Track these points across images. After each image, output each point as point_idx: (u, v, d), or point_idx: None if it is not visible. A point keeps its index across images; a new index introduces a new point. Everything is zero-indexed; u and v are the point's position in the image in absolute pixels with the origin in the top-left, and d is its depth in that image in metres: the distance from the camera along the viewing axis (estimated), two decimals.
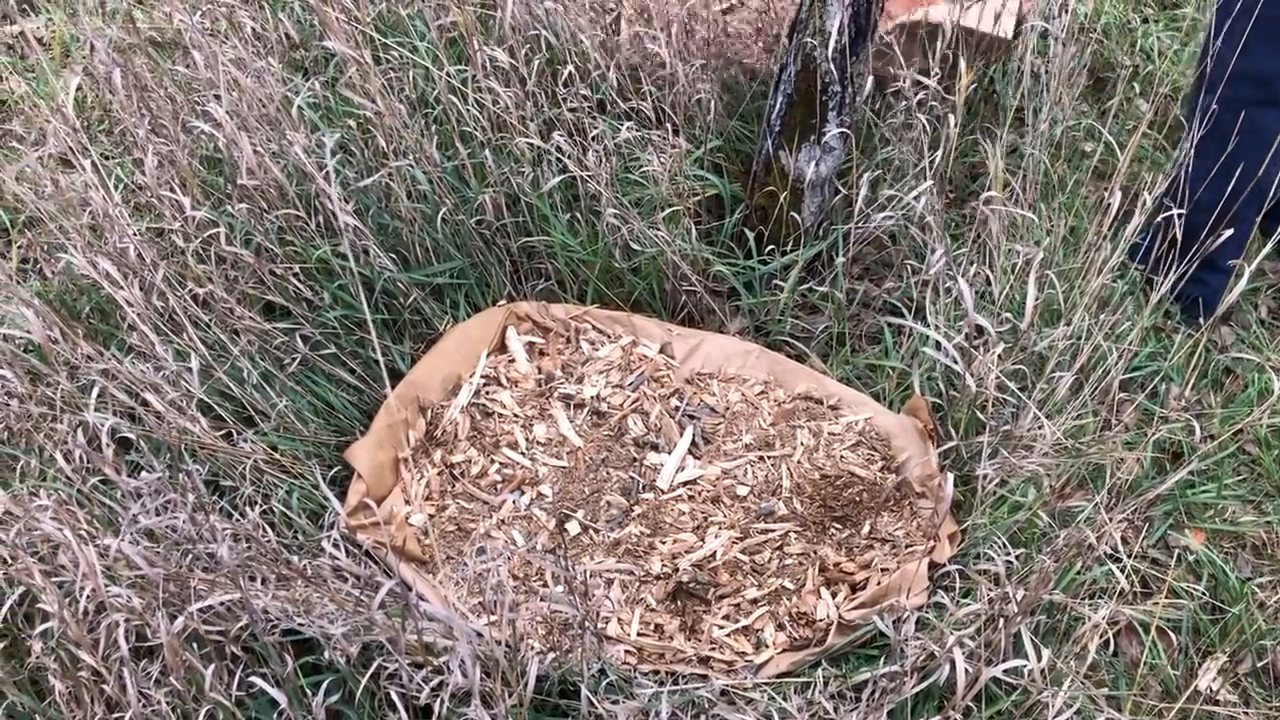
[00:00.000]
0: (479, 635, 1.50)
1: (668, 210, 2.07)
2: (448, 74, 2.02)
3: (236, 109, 1.98)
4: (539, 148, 2.06)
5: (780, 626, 1.70)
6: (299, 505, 1.76)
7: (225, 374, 1.80)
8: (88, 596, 1.34)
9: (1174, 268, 1.78)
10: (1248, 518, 2.03)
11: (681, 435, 1.94)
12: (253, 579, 1.52)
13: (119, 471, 1.50)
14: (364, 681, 1.44)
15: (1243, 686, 1.81)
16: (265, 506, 1.71)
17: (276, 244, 1.99)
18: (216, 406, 1.79)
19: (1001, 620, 1.50)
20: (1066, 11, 2.30)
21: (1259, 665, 1.82)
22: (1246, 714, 1.76)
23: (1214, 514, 2.02)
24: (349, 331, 1.99)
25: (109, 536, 1.44)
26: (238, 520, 1.56)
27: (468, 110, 2.05)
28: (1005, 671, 1.44)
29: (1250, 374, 2.25)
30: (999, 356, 1.73)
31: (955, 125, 1.89)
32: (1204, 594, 1.87)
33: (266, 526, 1.59)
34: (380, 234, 2.07)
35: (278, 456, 1.79)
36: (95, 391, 1.64)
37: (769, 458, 1.92)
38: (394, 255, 2.03)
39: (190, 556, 1.50)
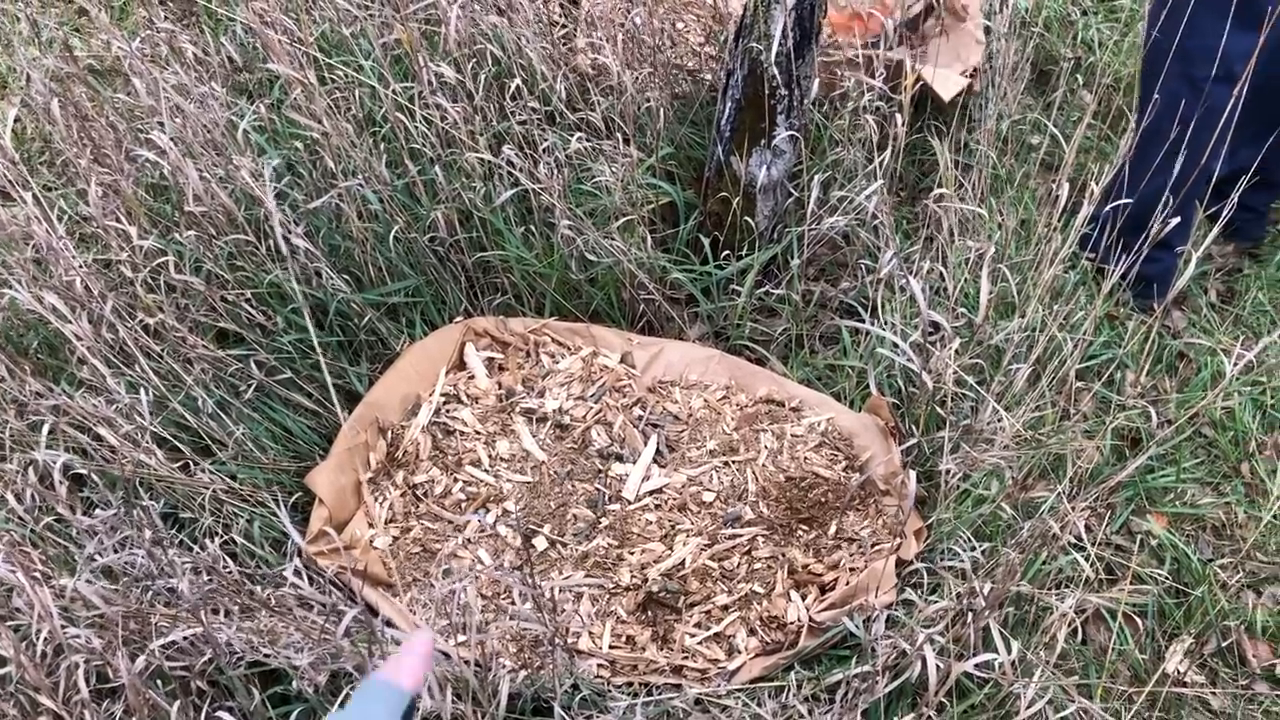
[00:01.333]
0: (447, 657, 1.48)
1: (622, 220, 2.07)
2: (394, 92, 2.00)
3: (180, 135, 1.96)
4: (490, 162, 2.05)
5: (752, 631, 1.70)
6: (260, 534, 1.74)
7: (180, 404, 1.77)
8: (45, 639, 1.32)
9: (1124, 256, 1.80)
10: (1207, 499, 2.05)
11: (645, 444, 1.94)
12: (215, 612, 1.49)
13: (73, 510, 1.47)
14: (333, 710, 1.42)
15: (1209, 667, 1.84)
16: (226, 537, 1.68)
17: (227, 270, 1.97)
18: (172, 438, 1.76)
19: (970, 615, 1.51)
20: (1008, 6, 2.32)
21: (1223, 645, 1.84)
22: (1214, 694, 1.79)
23: (1174, 498, 2.04)
24: (304, 355, 1.97)
25: (65, 576, 1.42)
26: (198, 553, 1.53)
27: (416, 127, 2.04)
28: (976, 665, 1.45)
29: (1203, 357, 2.28)
30: (956, 351, 1.74)
31: (902, 124, 1.90)
32: (1167, 578, 1.89)
33: (228, 558, 1.57)
34: (332, 255, 2.05)
35: (237, 486, 1.76)
36: (45, 428, 1.60)
37: (733, 463, 1.92)
38: (347, 276, 2.01)
39: (150, 593, 1.47)
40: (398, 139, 2.05)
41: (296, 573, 1.53)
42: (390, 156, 2.08)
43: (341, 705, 0.55)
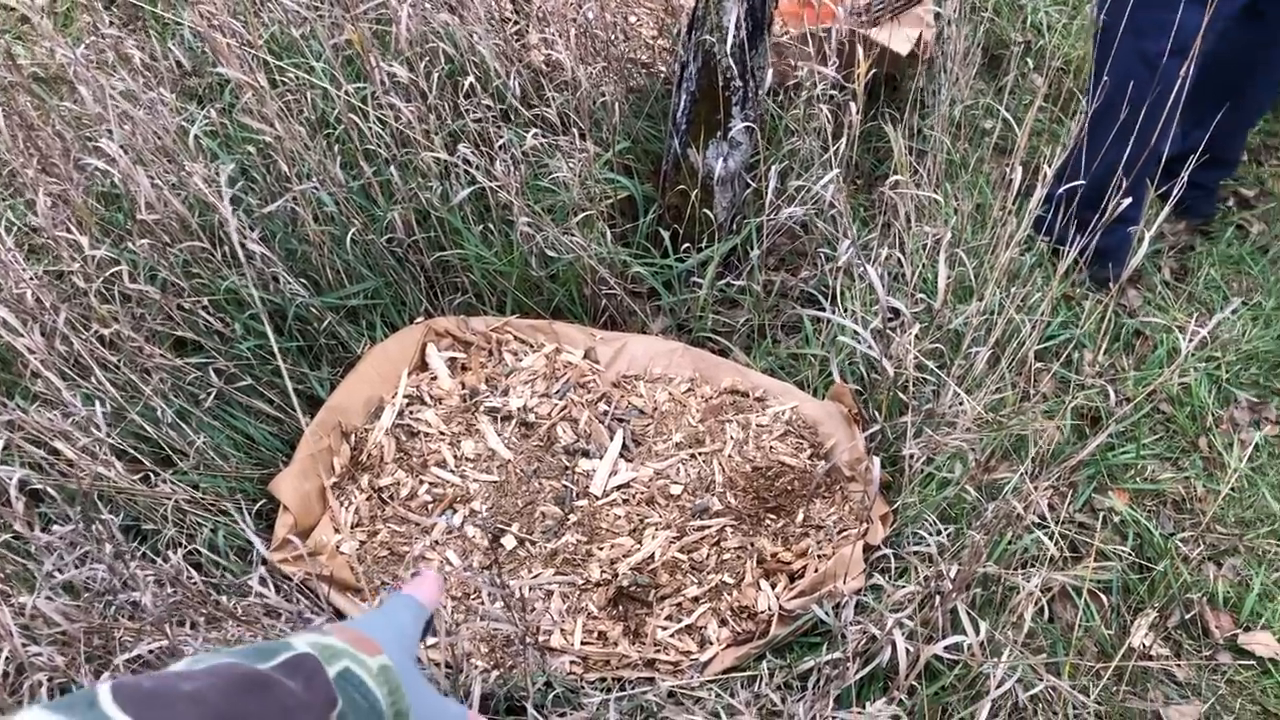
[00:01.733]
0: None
1: (581, 215, 2.06)
2: (346, 93, 1.98)
3: (130, 143, 1.93)
4: (445, 161, 2.04)
5: (723, 622, 1.70)
6: (225, 543, 1.72)
7: (138, 415, 1.75)
8: (6, 658, 1.30)
9: (1079, 236, 1.82)
10: (1166, 475, 2.08)
11: (611, 439, 1.94)
12: (181, 624, 1.48)
13: (31, 526, 1.44)
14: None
15: (1174, 639, 1.86)
16: (190, 548, 1.66)
17: (182, 278, 1.94)
18: (131, 449, 1.74)
19: (938, 597, 1.52)
20: None
21: (1187, 618, 1.87)
22: (1179, 666, 1.81)
23: (1135, 474, 2.07)
24: (264, 362, 1.95)
25: (24, 594, 1.39)
26: (161, 565, 1.51)
27: (370, 128, 2.03)
28: (946, 648, 1.46)
29: (1159, 335, 2.31)
30: (916, 336, 1.75)
31: (856, 113, 1.91)
32: (1130, 553, 1.91)
33: (191, 569, 1.55)
34: (289, 260, 2.02)
35: (199, 495, 1.74)
36: (0, 444, 1.58)
37: (700, 454, 1.92)
38: (305, 280, 1.99)
39: (113, 607, 1.45)
40: (352, 140, 2.04)
41: (262, 581, 1.52)
42: (345, 158, 2.06)
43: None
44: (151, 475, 1.73)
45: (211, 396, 1.85)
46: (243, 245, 1.85)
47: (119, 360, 1.78)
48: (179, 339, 1.96)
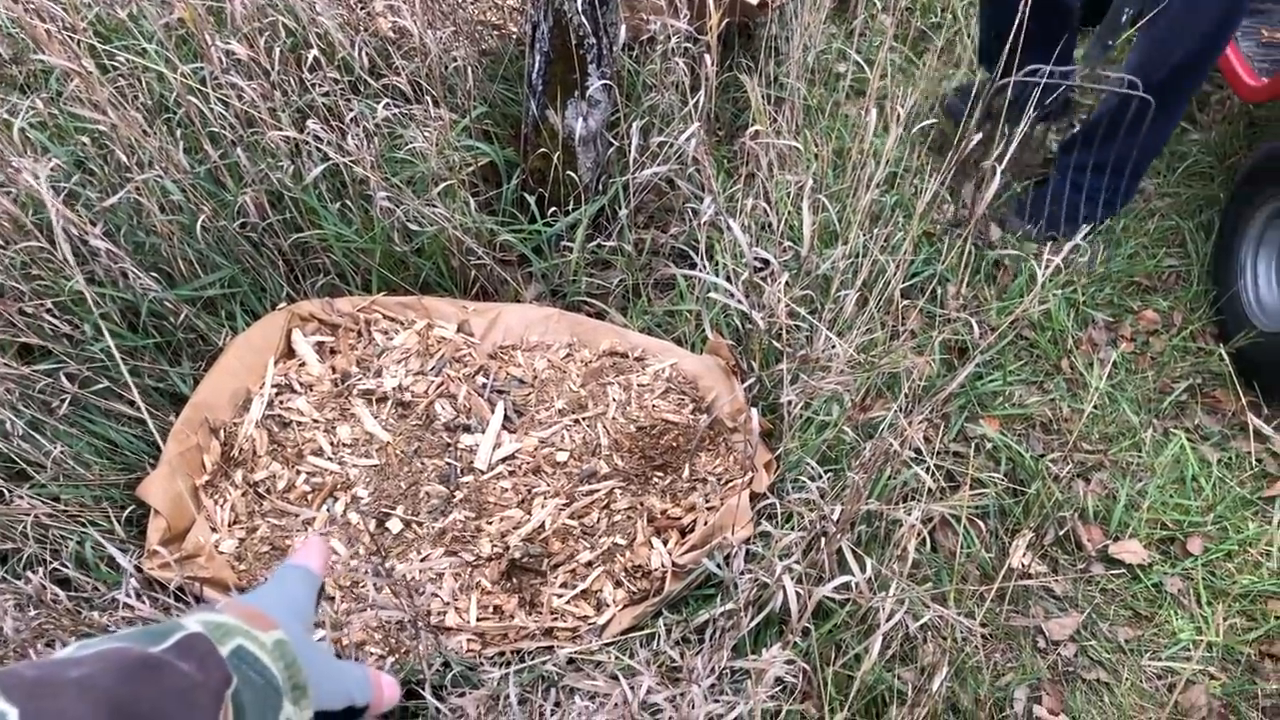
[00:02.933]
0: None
1: (442, 185, 2.01)
2: (183, 75, 1.89)
3: None
4: (295, 139, 1.97)
5: (618, 584, 1.70)
6: (94, 555, 1.64)
7: None
8: None
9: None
10: (1033, 399, 2.16)
11: (493, 412, 1.91)
12: (50, 645, 1.41)
13: None
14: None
15: (1050, 556, 1.94)
16: (56, 563, 1.58)
17: (21, 280, 1.83)
18: None
19: (823, 539, 1.55)
20: None
21: (1061, 534, 1.95)
22: (1057, 581, 1.89)
23: (1003, 400, 2.14)
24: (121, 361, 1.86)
25: None
26: (21, 586, 1.44)
27: (212, 109, 1.93)
28: (835, 588, 1.49)
29: (1017, 264, 2.38)
30: (786, 284, 1.77)
31: (712, 64, 1.91)
32: (1004, 479, 1.98)
33: (57, 586, 1.47)
34: (138, 253, 1.93)
35: (61, 507, 1.66)
36: None
37: (584, 419, 1.91)
38: (156, 274, 1.90)
39: None
40: (194, 124, 1.94)
41: (137, 594, 1.46)
42: (188, 143, 1.97)
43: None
44: (5, 492, 1.64)
45: (65, 403, 1.75)
46: (84, 242, 1.76)
47: None
48: (24, 345, 1.85)
